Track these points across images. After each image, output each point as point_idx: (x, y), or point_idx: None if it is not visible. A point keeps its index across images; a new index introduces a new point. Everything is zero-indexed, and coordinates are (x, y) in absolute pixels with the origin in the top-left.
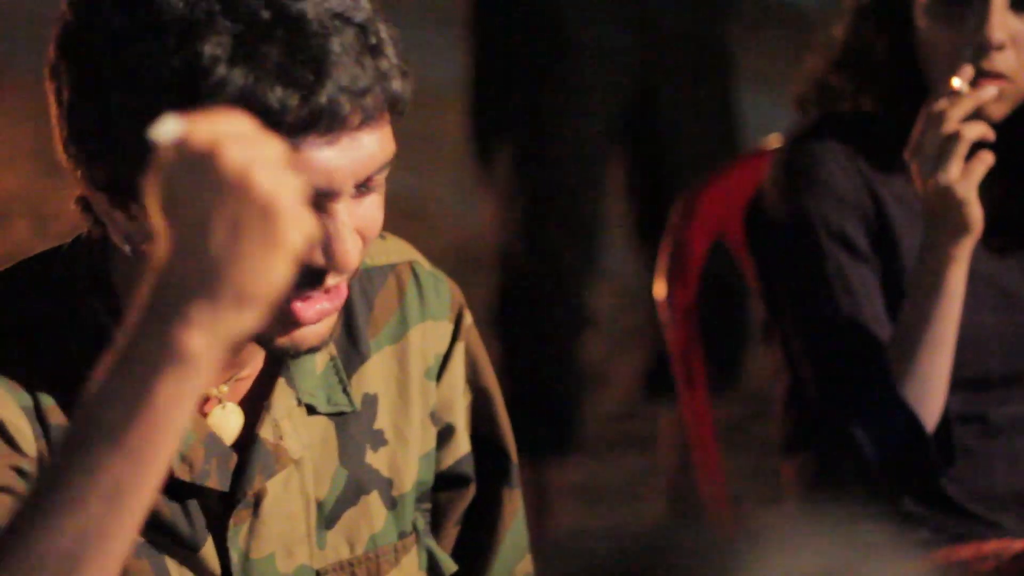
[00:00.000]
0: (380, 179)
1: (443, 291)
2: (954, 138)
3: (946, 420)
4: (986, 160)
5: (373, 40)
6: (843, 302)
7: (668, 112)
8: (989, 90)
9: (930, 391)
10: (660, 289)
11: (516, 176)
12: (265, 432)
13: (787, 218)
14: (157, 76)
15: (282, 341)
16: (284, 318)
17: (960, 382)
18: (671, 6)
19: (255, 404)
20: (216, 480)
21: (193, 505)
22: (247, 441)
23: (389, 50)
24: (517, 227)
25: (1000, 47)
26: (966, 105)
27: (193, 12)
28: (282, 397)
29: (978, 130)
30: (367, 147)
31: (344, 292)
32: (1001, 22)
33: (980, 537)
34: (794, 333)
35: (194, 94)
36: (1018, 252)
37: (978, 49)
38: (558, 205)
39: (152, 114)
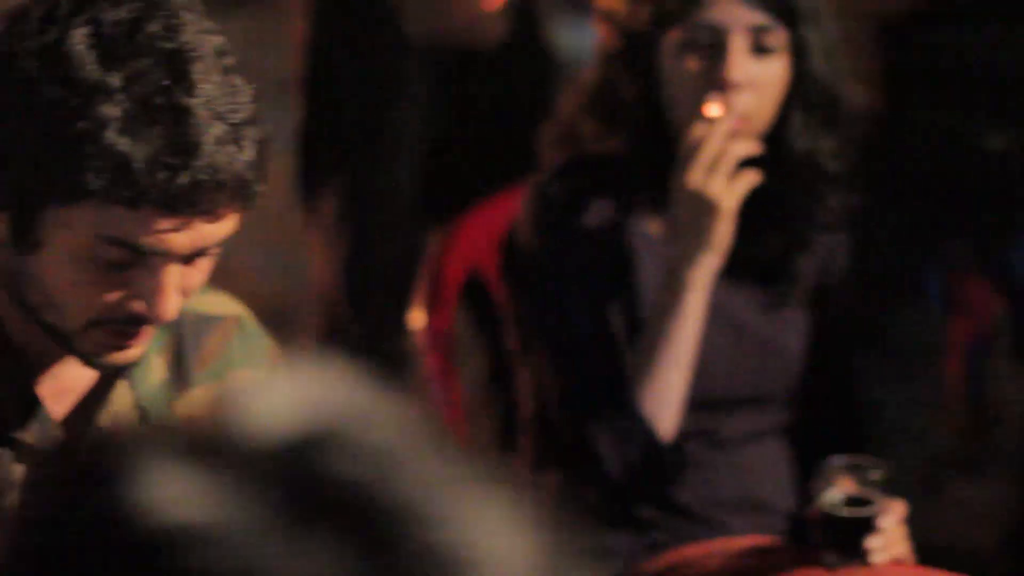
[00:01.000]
0: (215, 249)
1: (263, 345)
2: (720, 155)
3: (679, 434)
4: (751, 178)
5: (242, 140)
6: (584, 328)
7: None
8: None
9: (666, 407)
10: (418, 318)
11: (340, 221)
12: (103, 422)
13: (535, 251)
14: (58, 124)
15: (99, 360)
16: (103, 345)
17: (692, 401)
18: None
19: (87, 410)
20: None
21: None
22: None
23: (253, 150)
24: (338, 272)
25: (738, 87)
26: (726, 125)
27: (102, 80)
28: (122, 395)
29: (744, 147)
30: (211, 229)
31: (151, 334)
32: (740, 64)
33: (708, 537)
34: (541, 356)
35: (81, 149)
36: (751, 286)
37: (718, 89)
38: (379, 251)
39: (41, 153)
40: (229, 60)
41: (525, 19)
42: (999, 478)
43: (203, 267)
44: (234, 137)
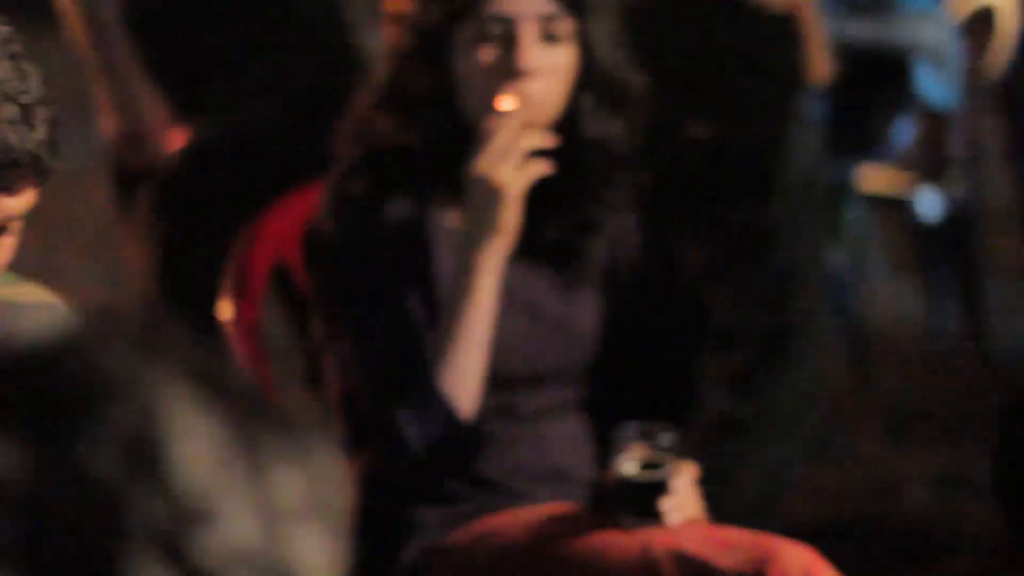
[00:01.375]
0: (16, 224)
1: None
2: (511, 144)
3: (481, 411)
4: (539, 166)
5: (34, 120)
6: (384, 314)
7: None
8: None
9: (465, 386)
10: (225, 309)
11: (151, 224)
12: None
13: (335, 246)
14: None
15: None
16: None
17: (492, 379)
18: None
19: None
20: None
21: None
22: None
23: (44, 130)
24: (152, 274)
25: (530, 75)
26: (518, 117)
27: None
28: None
29: (535, 139)
30: (9, 203)
31: None
32: (531, 52)
33: (513, 507)
34: (346, 343)
35: None
36: (546, 268)
37: (511, 78)
38: (190, 253)
39: None
40: (16, 47)
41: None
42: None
43: (5, 244)
44: (25, 117)
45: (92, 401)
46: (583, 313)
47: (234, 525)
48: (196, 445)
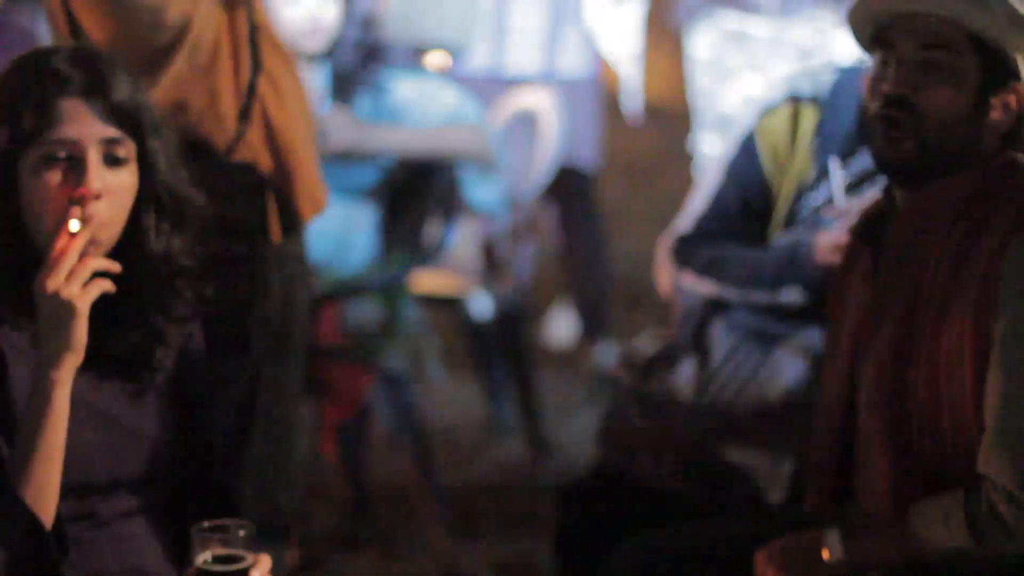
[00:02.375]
0: None
1: None
2: (77, 265)
3: (59, 517)
4: (103, 284)
5: None
6: None
7: None
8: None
9: (44, 494)
10: None
11: None
12: None
13: None
14: None
15: None
16: None
17: (71, 486)
18: None
19: None
20: None
21: None
22: None
23: None
24: None
25: (95, 197)
26: (83, 238)
27: None
28: None
29: (99, 263)
30: None
31: None
32: (96, 174)
33: None
34: None
35: None
36: (117, 378)
37: (76, 201)
38: None
39: None
40: None
41: None
42: (375, 551)
43: None
44: None
45: None
46: (151, 420)
47: None
48: None
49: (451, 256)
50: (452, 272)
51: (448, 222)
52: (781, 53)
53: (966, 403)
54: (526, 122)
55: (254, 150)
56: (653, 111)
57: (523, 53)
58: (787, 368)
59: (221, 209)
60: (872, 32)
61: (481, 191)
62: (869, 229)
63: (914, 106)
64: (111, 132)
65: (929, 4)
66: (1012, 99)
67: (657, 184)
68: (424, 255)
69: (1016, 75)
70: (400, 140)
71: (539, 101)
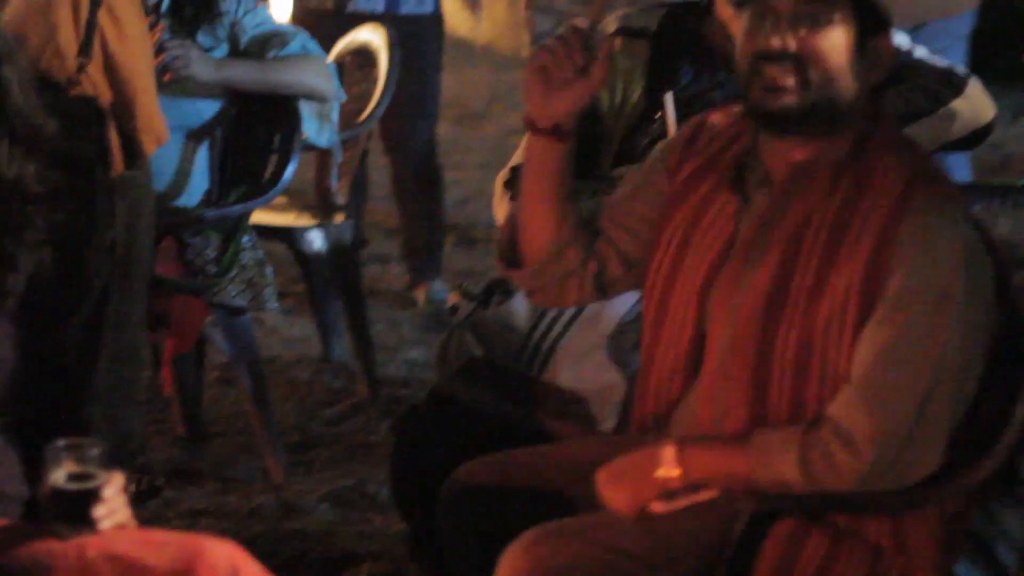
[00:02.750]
0: None
1: None
2: None
3: None
4: None
5: None
6: None
7: None
8: None
9: None
10: None
11: None
12: None
13: None
14: None
15: None
16: None
17: None
18: None
19: None
20: None
21: None
22: None
23: None
24: None
25: None
26: None
27: None
28: None
29: None
30: None
31: None
32: None
33: None
34: None
35: None
36: None
37: None
38: None
39: None
40: None
41: None
42: (212, 483)
43: None
44: None
45: None
46: (4, 343)
47: None
48: None
49: (286, 188)
50: (287, 204)
51: (287, 157)
52: None
53: (840, 363)
54: (363, 58)
55: (94, 83)
56: (487, 53)
57: None
58: (620, 297)
59: (63, 142)
60: None
61: (317, 126)
62: (731, 170)
63: (796, 59)
64: None
65: None
66: (883, 46)
67: (488, 126)
68: (263, 190)
69: (886, 23)
70: (244, 73)
71: (376, 38)
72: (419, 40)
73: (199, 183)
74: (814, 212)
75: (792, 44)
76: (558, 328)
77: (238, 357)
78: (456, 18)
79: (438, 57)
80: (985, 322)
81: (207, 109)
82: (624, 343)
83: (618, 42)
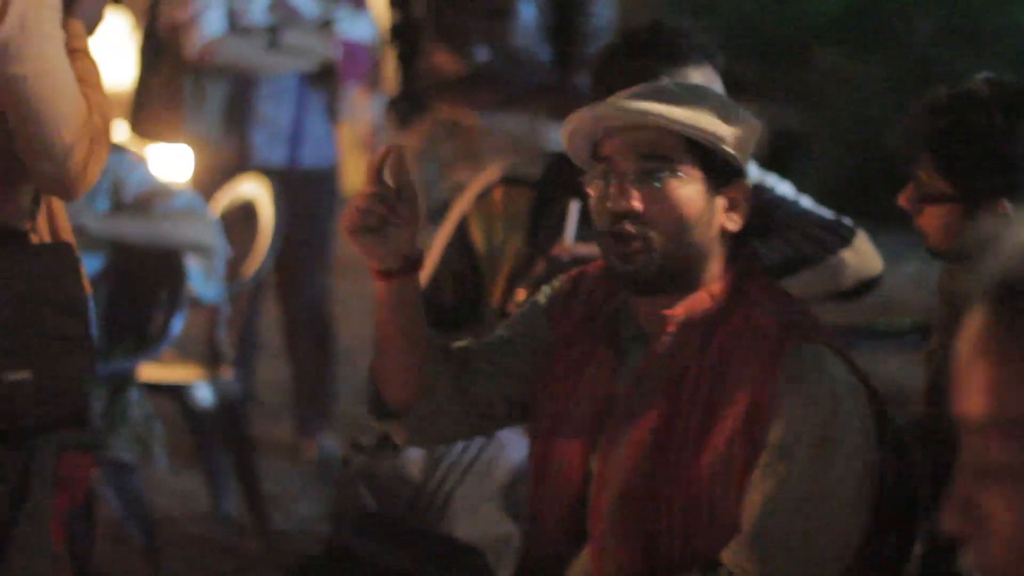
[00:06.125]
0: None
1: None
2: None
3: None
4: None
5: None
6: None
7: None
8: None
9: None
10: None
11: None
12: None
13: None
14: None
15: None
16: None
17: None
18: None
19: None
20: None
21: None
22: None
23: None
24: None
25: None
26: None
27: None
28: None
29: None
30: None
31: None
32: None
33: None
34: None
35: None
36: None
37: None
38: None
39: None
40: None
41: None
42: None
43: None
44: None
45: None
46: None
47: None
48: None
49: (175, 345)
50: (175, 361)
51: (173, 311)
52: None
53: (729, 511)
54: (245, 212)
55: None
56: None
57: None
58: (512, 446)
59: None
60: (589, 149)
61: (203, 280)
62: (607, 327)
63: (640, 218)
64: None
65: (634, 116)
66: (738, 195)
67: None
68: (149, 344)
69: (739, 172)
70: (131, 227)
71: (257, 191)
72: (316, 191)
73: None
74: (689, 367)
75: (635, 204)
76: (453, 478)
77: (128, 513)
78: (354, 170)
79: (334, 208)
80: (869, 460)
81: (90, 264)
82: (519, 493)
83: (499, 191)
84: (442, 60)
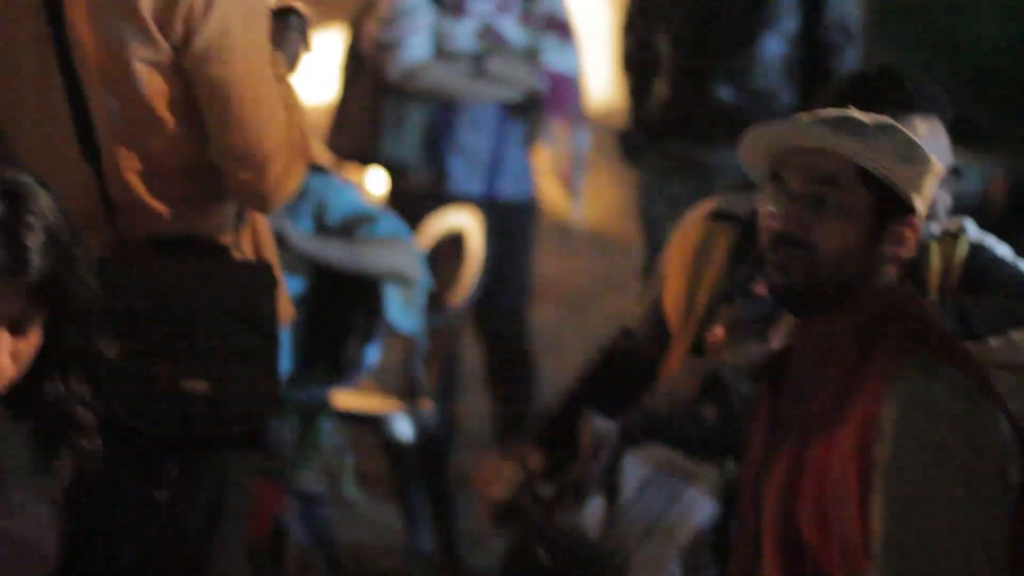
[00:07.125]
0: None
1: None
2: None
3: None
4: None
5: None
6: None
7: None
8: None
9: None
10: None
11: None
12: None
13: None
14: None
15: None
16: None
17: None
18: None
19: None
20: None
21: None
22: None
23: None
24: None
25: None
26: None
27: None
28: None
29: None
30: None
31: None
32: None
33: None
34: None
35: None
36: None
37: None
38: None
39: None
40: None
41: None
42: None
43: None
44: None
45: None
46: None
47: None
48: None
49: (371, 374)
50: (373, 391)
51: (369, 340)
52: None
53: (853, 533)
54: (453, 244)
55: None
56: (592, 237)
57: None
58: (698, 507)
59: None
60: (767, 168)
61: (401, 310)
62: (771, 370)
63: (802, 243)
64: (18, 311)
65: (814, 139)
66: (908, 232)
67: (591, 312)
68: (343, 373)
69: (912, 208)
70: (333, 251)
71: (466, 222)
72: (513, 224)
73: (281, 363)
74: (825, 384)
75: (800, 226)
76: (634, 539)
77: (315, 545)
78: (550, 203)
79: (531, 241)
80: (999, 478)
81: (292, 286)
82: (699, 557)
83: (702, 224)
84: (679, 94)
